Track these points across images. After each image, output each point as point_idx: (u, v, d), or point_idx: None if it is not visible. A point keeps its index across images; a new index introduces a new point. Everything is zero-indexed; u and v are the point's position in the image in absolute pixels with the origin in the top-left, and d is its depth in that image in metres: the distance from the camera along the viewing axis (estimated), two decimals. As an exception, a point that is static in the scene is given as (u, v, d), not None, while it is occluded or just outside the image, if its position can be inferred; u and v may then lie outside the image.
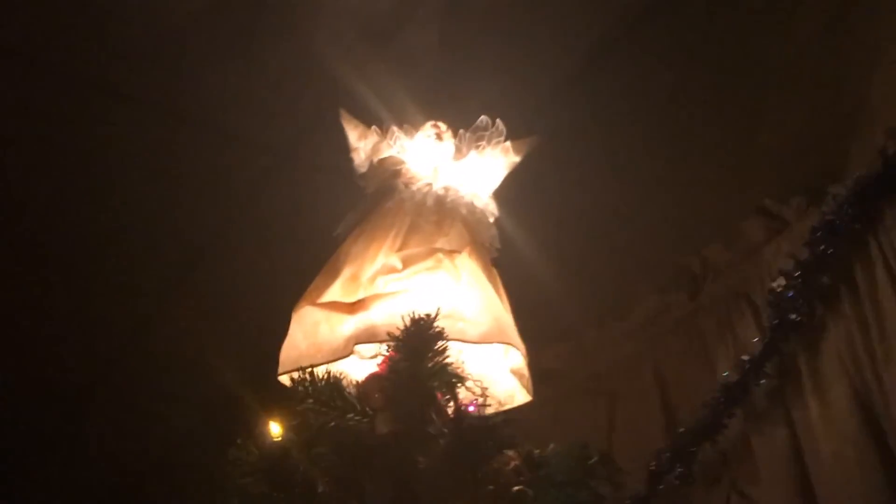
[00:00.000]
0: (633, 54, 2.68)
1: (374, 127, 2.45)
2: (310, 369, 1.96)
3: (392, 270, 2.07)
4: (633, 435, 3.09)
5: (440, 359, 1.87)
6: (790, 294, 2.52)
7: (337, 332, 2.04)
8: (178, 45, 2.61)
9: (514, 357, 2.14)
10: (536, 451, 1.97)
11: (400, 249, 2.13)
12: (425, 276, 2.06)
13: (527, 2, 2.59)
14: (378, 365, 1.98)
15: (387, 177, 2.33)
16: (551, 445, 2.01)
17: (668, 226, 3.00)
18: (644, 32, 2.62)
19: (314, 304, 2.08)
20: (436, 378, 1.88)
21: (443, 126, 2.43)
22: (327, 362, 2.01)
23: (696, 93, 2.78)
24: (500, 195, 2.47)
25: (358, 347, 2.06)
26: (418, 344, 1.86)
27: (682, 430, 2.71)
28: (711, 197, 2.90)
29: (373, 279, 2.07)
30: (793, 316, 2.53)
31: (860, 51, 2.57)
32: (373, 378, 1.95)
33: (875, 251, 2.42)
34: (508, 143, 2.43)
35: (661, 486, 2.73)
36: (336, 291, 2.10)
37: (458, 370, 2.06)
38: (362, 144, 2.44)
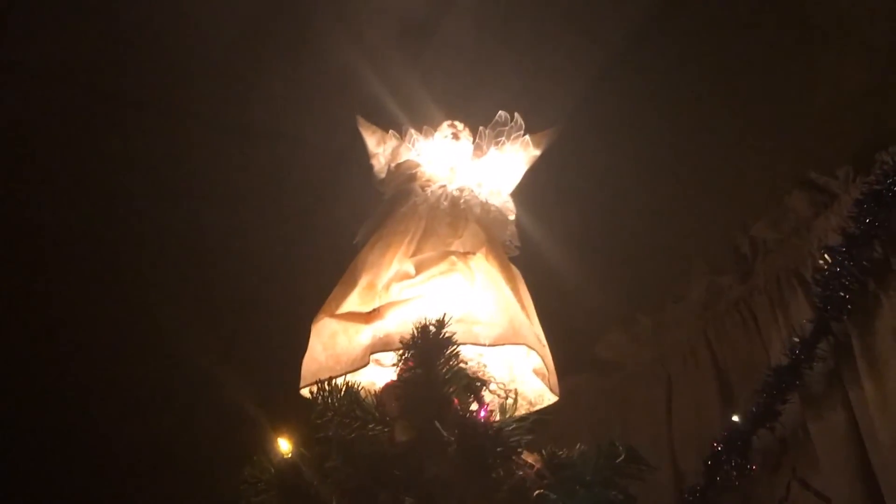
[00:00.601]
0: (669, 33, 2.60)
1: (391, 131, 2.44)
2: (329, 381, 1.98)
3: (406, 277, 2.05)
4: (693, 420, 3.01)
5: (452, 364, 1.85)
6: (837, 271, 2.40)
7: (354, 343, 2.03)
8: (230, 59, 2.63)
9: (535, 357, 2.09)
10: (561, 452, 1.93)
11: (415, 254, 2.11)
12: (439, 280, 2.04)
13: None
14: (396, 373, 1.96)
15: (403, 181, 2.31)
16: (578, 445, 1.96)
17: (715, 205, 2.89)
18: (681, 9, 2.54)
19: (332, 315, 2.08)
20: (450, 384, 1.85)
21: (459, 125, 2.41)
22: (346, 373, 2.01)
23: (737, 66, 2.68)
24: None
25: (378, 356, 2.06)
26: (429, 351, 1.84)
27: (736, 418, 2.61)
28: (757, 172, 2.78)
29: (388, 286, 2.06)
30: (842, 293, 2.40)
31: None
32: (389, 387, 1.94)
33: (926, 219, 2.29)
34: (528, 137, 2.38)
35: (718, 478, 2.63)
36: (353, 301, 2.09)
37: (478, 373, 2.05)
38: (381, 150, 2.43)
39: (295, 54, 2.60)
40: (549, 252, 2.82)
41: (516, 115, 2.39)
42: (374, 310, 2.03)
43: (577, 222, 2.94)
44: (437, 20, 2.50)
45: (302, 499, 1.74)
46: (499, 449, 1.72)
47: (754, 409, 2.55)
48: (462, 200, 2.21)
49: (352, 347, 2.03)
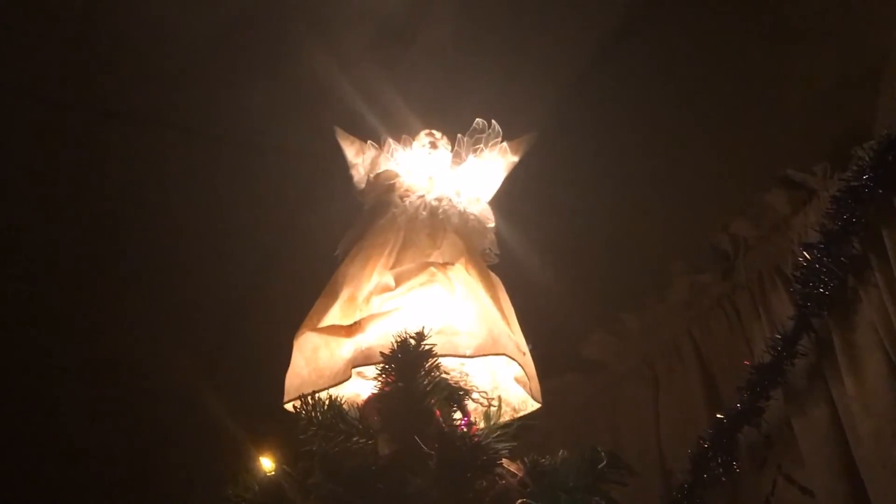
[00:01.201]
0: (642, 38, 2.60)
1: (370, 142, 2.45)
2: (312, 395, 2.00)
3: (386, 289, 2.06)
4: (679, 419, 3.03)
5: (433, 376, 1.87)
6: (816, 267, 2.42)
7: (336, 357, 2.05)
8: (203, 67, 2.62)
9: (517, 366, 2.10)
10: (544, 460, 1.95)
11: (394, 266, 2.12)
12: (419, 291, 2.05)
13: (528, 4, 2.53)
14: (377, 385, 1.97)
15: (382, 191, 2.32)
16: (561, 452, 1.98)
17: (693, 205, 2.91)
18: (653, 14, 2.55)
19: (314, 329, 2.09)
20: (430, 396, 1.87)
21: (437, 134, 2.42)
22: (329, 387, 2.02)
23: (711, 65, 2.69)
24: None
25: (361, 368, 2.07)
26: (409, 364, 1.85)
27: (720, 416, 2.63)
28: (735, 171, 2.80)
29: (368, 299, 2.07)
30: (821, 290, 2.42)
31: (886, 3, 2.45)
32: (371, 400, 1.96)
33: (903, 215, 2.30)
34: (506, 144, 2.40)
35: (705, 475, 2.65)
36: (335, 314, 2.10)
37: (460, 382, 2.06)
38: (360, 160, 2.44)
39: (271, 63, 2.59)
40: (528, 256, 2.84)
41: (493, 122, 2.40)
42: (355, 323, 2.04)
43: (555, 226, 2.94)
44: (413, 29, 2.50)
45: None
46: (479, 461, 1.73)
47: (739, 407, 2.57)
48: (440, 210, 2.22)
49: (334, 361, 2.04)
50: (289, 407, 2.06)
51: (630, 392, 3.26)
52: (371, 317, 2.03)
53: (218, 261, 2.98)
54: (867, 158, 2.39)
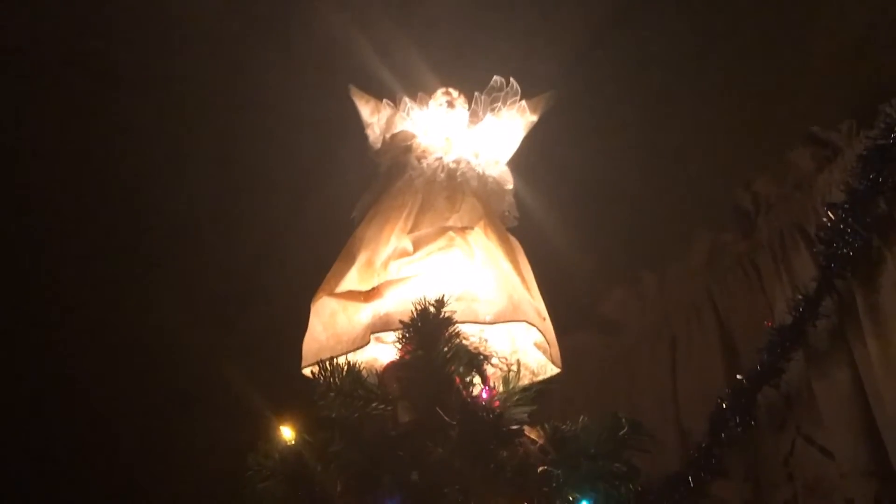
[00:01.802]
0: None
1: (385, 100, 2.40)
2: (330, 361, 1.98)
3: (404, 254, 2.03)
4: (697, 378, 3.00)
5: (453, 344, 1.84)
6: (841, 227, 2.37)
7: (354, 322, 2.02)
8: (217, 26, 2.56)
9: (536, 331, 2.08)
10: (565, 426, 1.93)
11: (412, 229, 2.09)
12: (438, 256, 2.02)
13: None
14: (397, 352, 1.95)
15: (399, 153, 2.28)
16: (582, 418, 1.96)
17: (716, 162, 2.85)
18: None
19: (331, 294, 2.06)
20: (450, 363, 1.85)
21: (454, 93, 2.36)
22: (347, 352, 2.00)
23: (735, 20, 2.62)
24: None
25: (379, 333, 2.05)
26: (429, 331, 1.83)
27: (740, 377, 2.61)
28: (759, 129, 2.74)
29: (386, 264, 2.05)
30: (845, 250, 2.38)
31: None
32: (390, 367, 1.94)
33: (932, 172, 2.25)
34: (524, 103, 2.34)
35: (723, 435, 2.64)
36: (352, 279, 2.08)
37: (479, 348, 2.04)
38: (375, 119, 2.40)
39: (283, 23, 2.53)
40: (547, 216, 2.81)
41: (512, 80, 2.34)
42: (373, 288, 2.02)
43: (574, 185, 2.90)
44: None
45: (306, 486, 1.74)
46: (501, 433, 1.71)
47: (758, 368, 2.54)
48: (459, 173, 2.19)
49: (352, 327, 2.02)
50: (306, 372, 2.05)
51: (648, 351, 3.24)
52: (389, 282, 2.00)
53: (233, 225, 2.94)
54: (894, 115, 2.33)
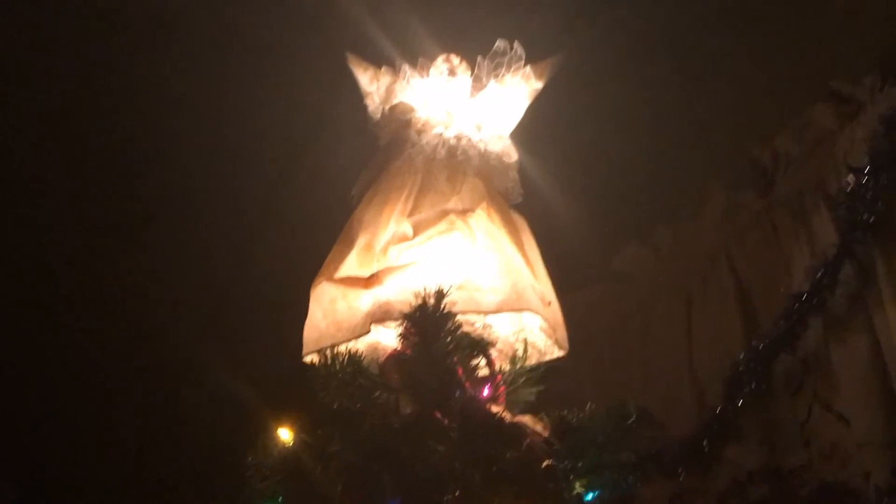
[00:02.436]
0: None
1: (384, 67, 2.30)
2: (331, 349, 1.94)
3: (404, 239, 1.96)
4: (713, 335, 2.94)
5: (454, 336, 1.79)
6: (862, 191, 2.27)
7: (354, 309, 1.97)
8: None
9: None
10: (569, 414, 1.89)
11: (412, 211, 2.02)
12: (438, 241, 1.95)
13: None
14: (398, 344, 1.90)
15: (398, 127, 2.19)
16: (589, 405, 1.92)
17: (734, 117, 2.74)
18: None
19: (330, 279, 2.01)
20: (452, 355, 1.80)
21: (455, 59, 2.25)
22: (348, 340, 1.95)
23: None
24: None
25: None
26: (429, 325, 1.78)
27: (755, 342, 2.54)
28: (777, 82, 2.61)
29: (385, 249, 1.98)
30: (866, 216, 2.28)
31: None
32: (391, 358, 1.89)
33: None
34: (529, 69, 2.23)
35: (739, 400, 2.59)
36: (351, 263, 2.01)
37: (483, 335, 1.99)
38: (374, 87, 2.30)
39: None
40: (554, 180, 2.73)
41: (516, 44, 2.23)
42: (373, 275, 1.95)
43: (588, 140, 2.80)
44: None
45: (305, 489, 1.72)
46: (504, 437, 1.67)
47: (775, 334, 2.48)
48: (459, 150, 2.09)
49: (352, 314, 1.97)
50: (307, 359, 2.01)
51: (663, 306, 3.17)
52: (389, 269, 1.94)
53: (220, 202, 2.85)
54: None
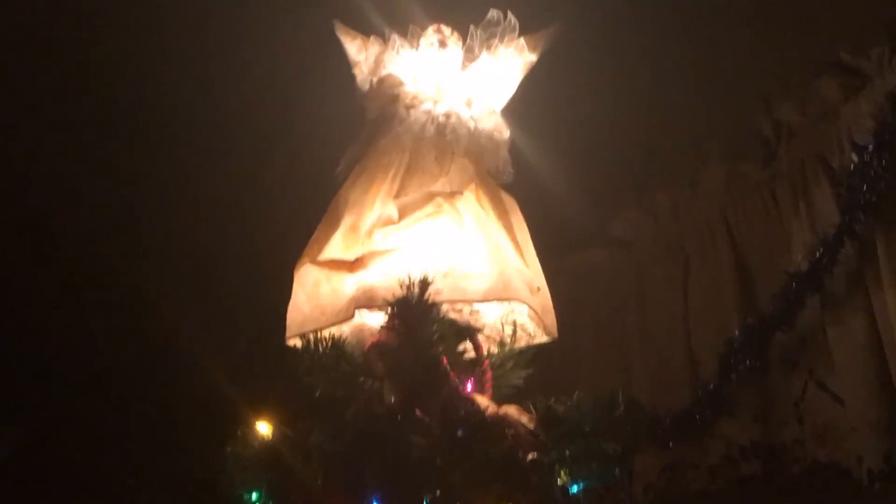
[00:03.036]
0: None
1: (373, 37, 2.21)
2: (315, 333, 1.90)
3: (389, 222, 1.90)
4: (709, 302, 2.90)
5: (439, 326, 1.76)
6: (864, 170, 2.21)
7: (339, 293, 1.92)
8: None
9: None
10: (561, 403, 1.85)
11: (399, 192, 1.95)
12: (425, 224, 1.89)
13: None
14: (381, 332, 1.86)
15: (386, 101, 2.11)
16: (576, 394, 1.88)
17: (736, 83, 2.65)
18: None
19: (314, 261, 1.95)
20: (437, 345, 1.76)
21: (447, 30, 2.16)
22: (332, 325, 1.91)
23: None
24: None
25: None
26: (413, 315, 1.73)
27: (751, 319, 2.50)
28: (782, 49, 2.53)
29: (371, 232, 1.92)
30: (868, 195, 2.22)
31: None
32: (375, 345, 1.85)
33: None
34: (522, 40, 2.15)
35: (733, 376, 2.56)
36: (336, 245, 1.96)
37: (470, 321, 1.95)
38: (363, 57, 2.22)
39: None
40: (555, 133, 2.66)
41: (510, 14, 2.14)
42: (358, 258, 1.90)
43: (585, 105, 2.73)
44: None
45: (286, 480, 1.69)
46: (487, 434, 1.64)
47: (772, 311, 2.44)
48: (449, 129, 2.02)
49: (336, 298, 1.92)
50: (290, 343, 1.97)
51: (660, 271, 3.12)
52: (374, 253, 1.89)
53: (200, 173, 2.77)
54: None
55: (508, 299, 1.88)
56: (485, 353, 1.95)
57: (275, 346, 1.94)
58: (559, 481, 1.78)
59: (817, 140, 2.55)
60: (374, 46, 2.20)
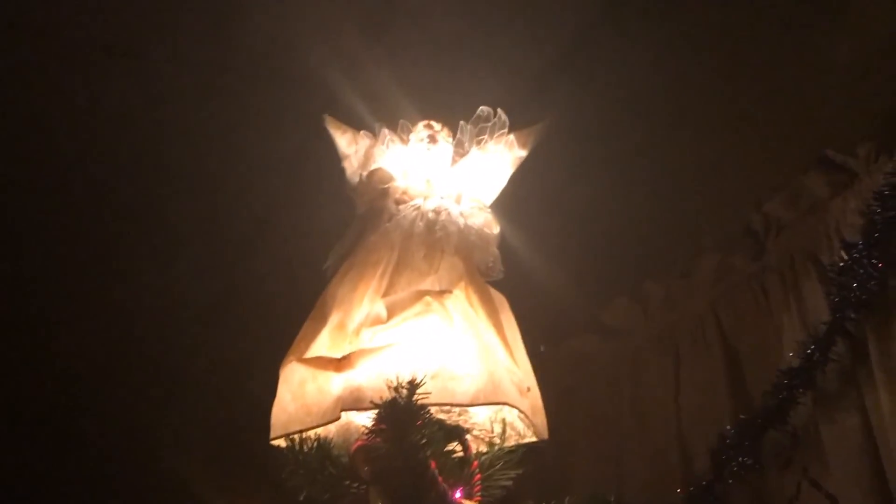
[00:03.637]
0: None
1: (363, 131, 2.22)
2: (300, 434, 1.86)
3: (378, 321, 1.87)
4: (701, 397, 2.87)
5: (427, 430, 1.72)
6: (854, 268, 2.20)
7: (325, 392, 1.87)
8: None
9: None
10: (550, 507, 1.81)
11: (387, 290, 1.92)
12: (413, 322, 1.86)
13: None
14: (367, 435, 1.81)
15: (376, 196, 2.10)
16: (567, 499, 1.84)
17: (727, 180, 2.67)
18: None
19: (300, 360, 1.92)
20: (425, 449, 1.72)
21: (437, 125, 2.18)
22: (317, 426, 1.87)
23: (746, 17, 2.40)
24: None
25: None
26: (401, 420, 1.69)
27: (744, 416, 2.47)
28: (770, 149, 2.55)
29: (358, 331, 1.89)
30: (859, 293, 2.21)
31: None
32: (360, 449, 1.80)
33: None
34: (512, 136, 2.16)
35: (726, 472, 2.51)
36: (323, 342, 1.92)
37: (459, 422, 1.92)
38: (353, 150, 2.22)
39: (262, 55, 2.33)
40: (549, 225, 2.67)
41: (499, 110, 2.16)
42: (345, 357, 1.86)
43: (579, 197, 2.74)
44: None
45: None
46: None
47: (764, 410, 2.41)
48: (438, 225, 2.00)
49: (322, 398, 1.87)
50: (275, 443, 1.92)
51: (652, 363, 3.09)
52: (361, 352, 1.85)
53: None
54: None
55: (497, 403, 1.84)
56: (473, 453, 1.91)
57: (259, 447, 1.89)
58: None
59: (806, 235, 2.56)
60: (363, 140, 2.21)
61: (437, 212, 2.04)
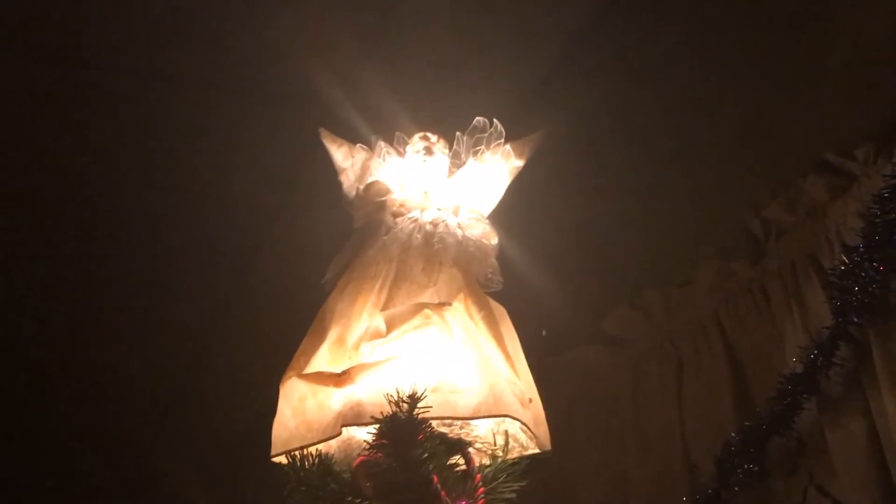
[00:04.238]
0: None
1: (359, 144, 2.21)
2: (301, 451, 1.85)
3: (377, 335, 1.86)
4: (705, 404, 2.85)
5: (429, 445, 1.70)
6: (856, 271, 2.18)
7: (325, 408, 1.86)
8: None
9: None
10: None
11: (386, 303, 1.92)
12: (413, 335, 1.85)
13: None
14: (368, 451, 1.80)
15: (373, 209, 2.10)
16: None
17: (727, 185, 2.66)
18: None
19: (300, 376, 1.90)
20: (426, 463, 1.71)
21: (433, 137, 2.17)
22: (318, 442, 1.85)
23: (743, 20, 2.39)
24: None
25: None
26: (402, 435, 1.68)
27: (748, 423, 2.45)
28: (769, 152, 2.53)
29: (357, 345, 1.88)
30: (861, 296, 2.19)
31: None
32: (361, 465, 1.79)
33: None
34: (509, 146, 2.15)
35: (731, 480, 2.49)
36: (323, 358, 1.91)
37: (461, 435, 1.90)
38: (349, 164, 2.22)
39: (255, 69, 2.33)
40: (548, 234, 2.66)
41: (496, 121, 2.15)
42: (345, 372, 1.85)
43: (578, 206, 2.73)
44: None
45: None
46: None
47: (768, 417, 2.39)
48: (436, 238, 1.99)
49: (322, 414, 1.86)
50: (276, 460, 1.91)
51: (654, 370, 3.07)
52: (361, 367, 1.84)
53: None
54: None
55: (499, 415, 1.83)
56: (476, 466, 1.90)
57: (260, 464, 1.88)
58: None
59: (806, 239, 2.54)
60: (360, 153, 2.21)
61: (434, 223, 2.03)
